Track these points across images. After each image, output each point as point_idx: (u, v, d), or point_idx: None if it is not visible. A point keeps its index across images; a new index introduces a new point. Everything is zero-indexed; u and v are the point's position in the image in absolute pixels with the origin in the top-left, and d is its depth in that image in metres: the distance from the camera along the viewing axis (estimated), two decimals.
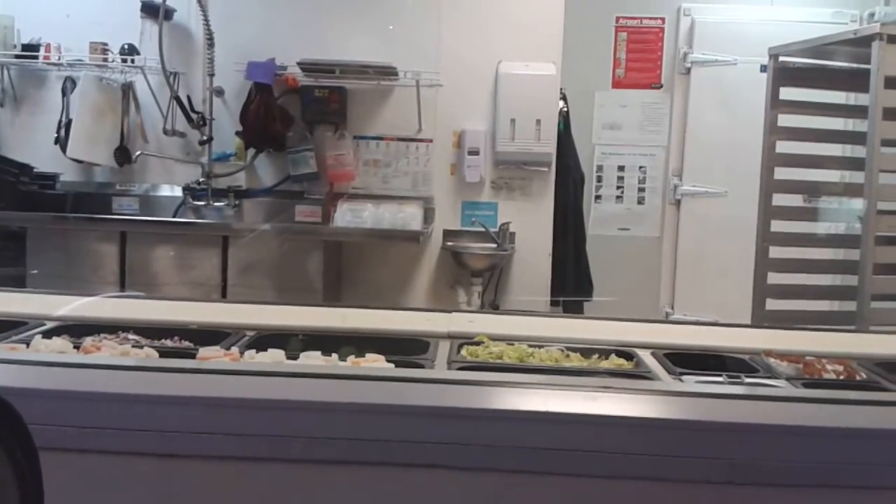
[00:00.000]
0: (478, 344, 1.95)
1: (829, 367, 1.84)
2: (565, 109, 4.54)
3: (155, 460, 1.44)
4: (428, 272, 4.46)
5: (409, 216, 4.21)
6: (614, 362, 1.90)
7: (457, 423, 1.44)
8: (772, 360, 1.87)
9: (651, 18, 5.08)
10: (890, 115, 3.34)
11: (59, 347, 1.78)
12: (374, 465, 1.43)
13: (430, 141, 4.41)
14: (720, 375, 1.78)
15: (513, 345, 1.94)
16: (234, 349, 1.81)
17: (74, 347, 1.80)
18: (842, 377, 1.81)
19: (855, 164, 3.75)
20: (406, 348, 1.90)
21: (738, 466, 1.41)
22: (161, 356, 1.77)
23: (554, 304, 4.47)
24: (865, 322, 3.35)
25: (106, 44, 4.33)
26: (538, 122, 4.30)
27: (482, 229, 4.36)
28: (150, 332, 1.95)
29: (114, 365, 1.64)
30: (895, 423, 1.49)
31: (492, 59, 4.36)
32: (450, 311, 2.32)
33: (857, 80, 3.58)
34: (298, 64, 4.23)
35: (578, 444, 1.42)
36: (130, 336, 1.91)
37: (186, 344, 1.92)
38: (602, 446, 1.42)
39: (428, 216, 4.37)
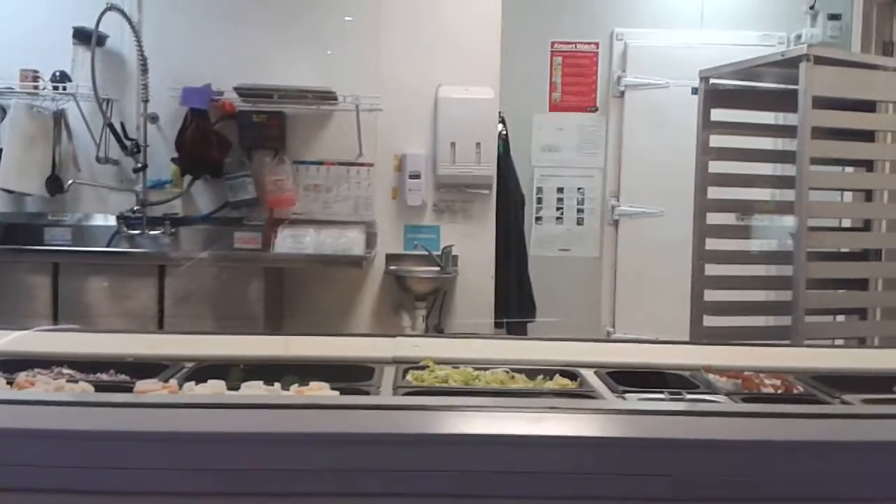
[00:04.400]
0: (423, 368, 1.94)
1: (766, 381, 1.87)
2: (504, 132, 4.59)
3: (94, 498, 1.39)
4: (371, 297, 4.44)
5: (351, 241, 4.19)
6: (559, 382, 1.91)
7: (404, 448, 1.43)
8: (711, 376, 1.90)
9: (585, 43, 5.19)
10: (818, 134, 3.45)
11: None
12: (321, 495, 1.41)
13: (371, 165, 4.41)
14: (662, 392, 1.80)
15: (458, 368, 1.93)
16: (173, 381, 1.76)
17: (7, 383, 1.74)
18: (779, 391, 1.84)
19: (785, 182, 3.86)
20: (351, 375, 1.88)
21: (681, 482, 1.42)
22: (97, 390, 1.72)
23: (498, 325, 4.49)
24: (800, 336, 3.44)
25: (37, 71, 4.24)
26: (478, 145, 4.34)
27: (425, 253, 4.36)
28: (85, 365, 1.89)
29: (48, 400, 1.59)
30: (833, 436, 1.52)
31: (431, 83, 4.39)
32: (394, 336, 2.31)
33: (785, 101, 3.68)
34: (235, 89, 4.20)
35: (526, 466, 1.42)
36: (65, 370, 1.85)
37: (123, 377, 1.86)
38: (549, 467, 1.42)
39: (370, 240, 4.35)
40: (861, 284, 3.91)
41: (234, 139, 4.32)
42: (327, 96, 4.24)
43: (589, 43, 5.18)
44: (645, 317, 4.93)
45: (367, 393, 1.76)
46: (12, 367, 1.84)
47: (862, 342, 3.77)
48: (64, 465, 1.39)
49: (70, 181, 4.28)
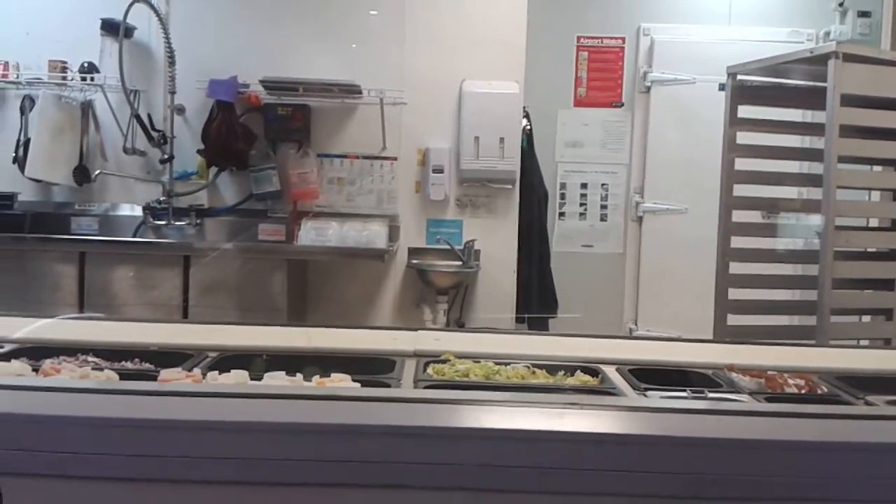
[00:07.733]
0: (444, 362, 1.94)
1: (790, 381, 1.86)
2: (528, 127, 4.58)
3: (116, 485, 1.41)
4: (393, 290, 4.45)
5: (373, 234, 4.20)
6: (580, 379, 1.90)
7: (424, 441, 1.43)
8: (734, 375, 1.89)
9: (611, 38, 5.15)
10: (846, 133, 3.41)
11: (18, 370, 1.74)
12: (340, 486, 1.41)
13: (395, 159, 4.42)
14: (684, 390, 1.79)
15: (479, 362, 1.94)
16: (196, 371, 1.78)
17: (33, 370, 1.76)
18: (803, 391, 1.83)
19: (812, 180, 3.82)
20: (372, 367, 1.89)
21: (703, 481, 1.42)
22: (121, 378, 1.73)
23: (519, 321, 4.48)
24: (825, 336, 3.40)
25: (65, 62, 4.29)
26: (502, 139, 4.33)
27: (447, 247, 4.37)
28: (111, 354, 1.91)
29: (73, 388, 1.60)
30: (856, 437, 1.51)
31: (455, 77, 4.39)
32: (415, 329, 2.31)
33: (813, 98, 3.64)
34: (261, 82, 4.22)
35: (545, 461, 1.41)
36: (90, 358, 1.87)
37: (147, 366, 1.88)
38: (569, 463, 1.42)
39: (393, 234, 4.36)
40: (888, 285, 3.86)
41: (259, 131, 4.35)
42: (352, 90, 4.25)
43: (615, 38, 5.15)
44: (668, 314, 4.90)
45: (387, 385, 1.76)
46: (38, 355, 1.87)
47: (888, 343, 3.72)
48: (88, 452, 1.40)
49: (97, 171, 4.33)
